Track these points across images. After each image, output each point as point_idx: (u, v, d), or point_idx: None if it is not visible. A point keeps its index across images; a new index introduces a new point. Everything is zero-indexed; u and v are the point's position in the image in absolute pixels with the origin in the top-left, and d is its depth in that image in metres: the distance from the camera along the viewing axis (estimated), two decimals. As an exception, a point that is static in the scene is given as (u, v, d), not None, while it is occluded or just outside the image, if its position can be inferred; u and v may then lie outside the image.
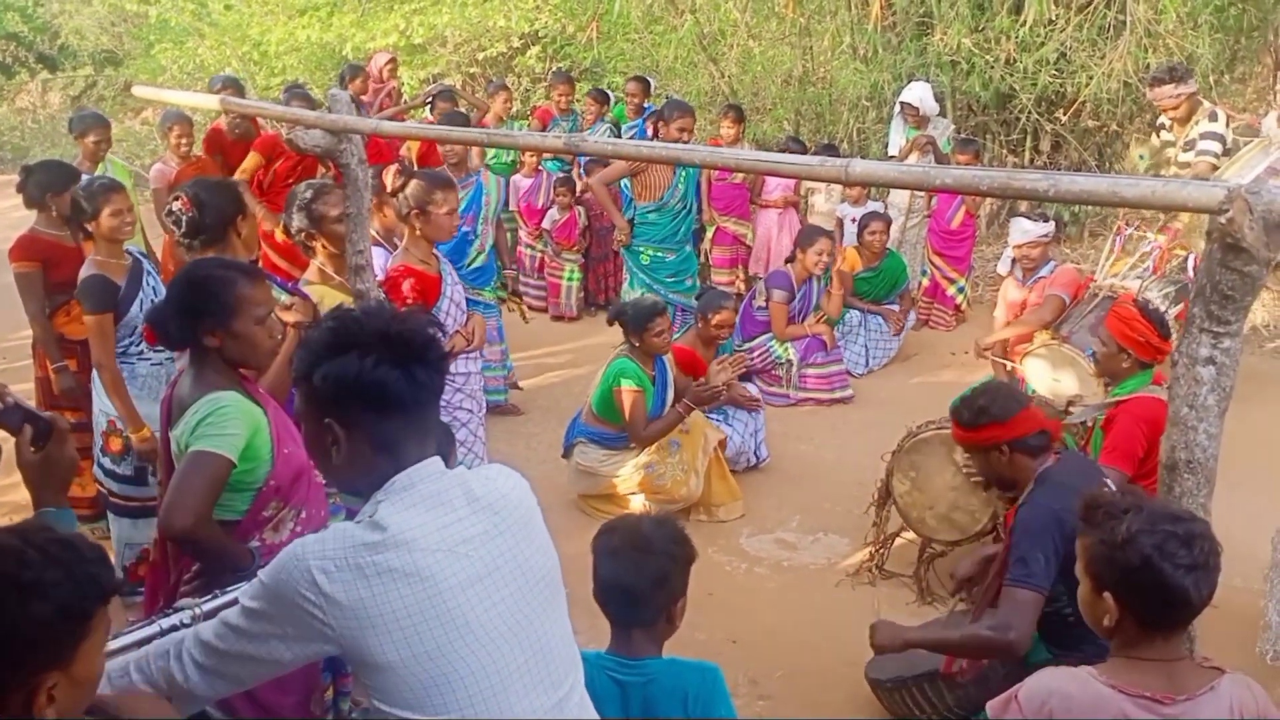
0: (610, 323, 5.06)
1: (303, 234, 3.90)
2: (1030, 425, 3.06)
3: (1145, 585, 1.88)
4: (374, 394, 1.73)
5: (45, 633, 1.29)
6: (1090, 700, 1.90)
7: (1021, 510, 2.97)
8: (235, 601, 2.08)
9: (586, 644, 3.43)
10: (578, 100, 9.18)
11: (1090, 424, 4.08)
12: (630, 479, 4.86)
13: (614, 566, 2.28)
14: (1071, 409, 4.41)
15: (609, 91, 9.20)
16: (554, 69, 10.85)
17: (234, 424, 2.52)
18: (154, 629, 2.03)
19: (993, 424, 3.07)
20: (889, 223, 7.23)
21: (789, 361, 6.40)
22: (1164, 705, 1.88)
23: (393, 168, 4.02)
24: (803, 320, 6.50)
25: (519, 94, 10.95)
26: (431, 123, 7.41)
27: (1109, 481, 3.12)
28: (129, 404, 3.98)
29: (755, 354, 6.40)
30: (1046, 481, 2.99)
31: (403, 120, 8.32)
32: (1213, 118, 5.94)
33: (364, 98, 8.43)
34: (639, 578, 2.24)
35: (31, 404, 2.16)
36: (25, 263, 4.60)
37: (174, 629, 2.05)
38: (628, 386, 4.77)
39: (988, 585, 3.15)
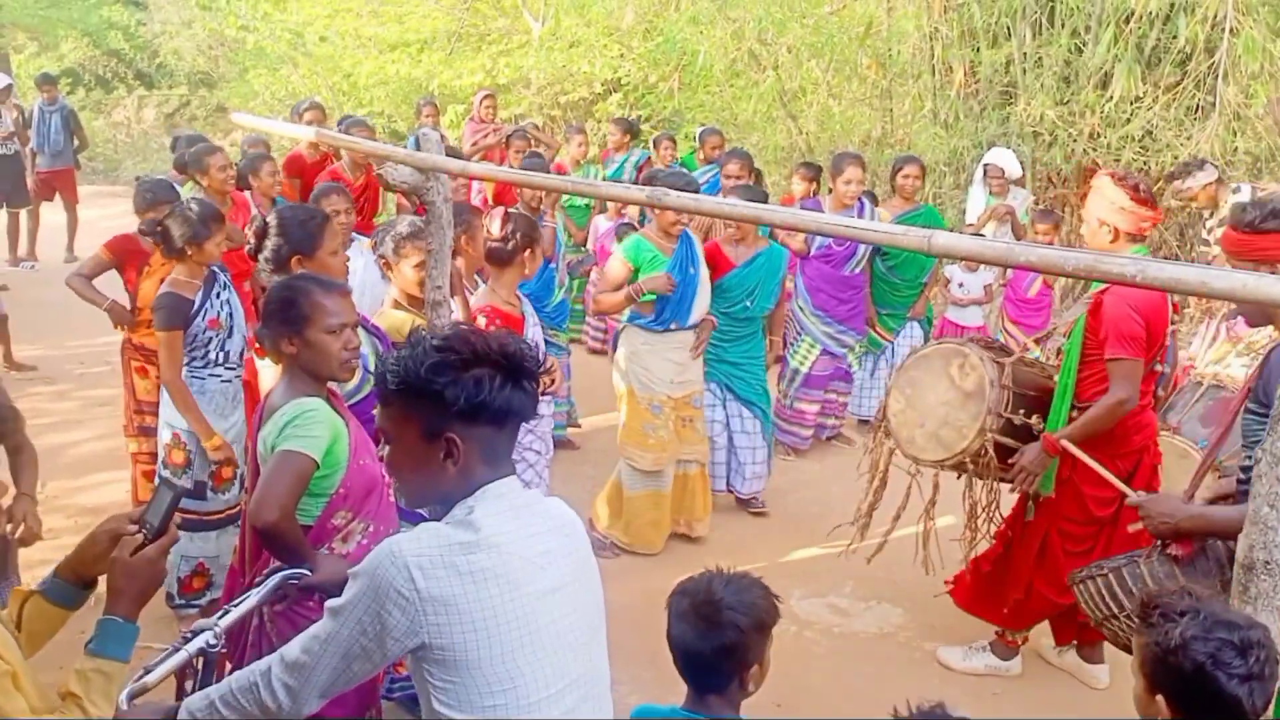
0: None
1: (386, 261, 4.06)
2: None
3: (1197, 693, 1.84)
4: (502, 409, 1.82)
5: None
6: None
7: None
8: (247, 613, 2.27)
9: (628, 695, 3.44)
10: (641, 143, 9.37)
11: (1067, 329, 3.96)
12: (630, 417, 5.10)
13: (682, 630, 2.23)
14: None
15: (637, 123, 9.39)
16: (616, 116, 11.04)
17: (319, 427, 2.65)
18: (183, 655, 2.07)
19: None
20: (924, 168, 6.83)
21: (795, 370, 6.32)
22: None
23: (498, 211, 4.13)
24: (843, 269, 6.29)
25: (597, 139, 11.11)
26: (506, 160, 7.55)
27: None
28: (199, 415, 4.07)
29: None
30: None
31: (490, 159, 8.49)
32: (1236, 192, 5.88)
33: (468, 137, 8.71)
34: (705, 646, 2.19)
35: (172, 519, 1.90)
36: (108, 252, 5.12)
37: (201, 652, 2.10)
38: (621, 256, 4.94)
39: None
